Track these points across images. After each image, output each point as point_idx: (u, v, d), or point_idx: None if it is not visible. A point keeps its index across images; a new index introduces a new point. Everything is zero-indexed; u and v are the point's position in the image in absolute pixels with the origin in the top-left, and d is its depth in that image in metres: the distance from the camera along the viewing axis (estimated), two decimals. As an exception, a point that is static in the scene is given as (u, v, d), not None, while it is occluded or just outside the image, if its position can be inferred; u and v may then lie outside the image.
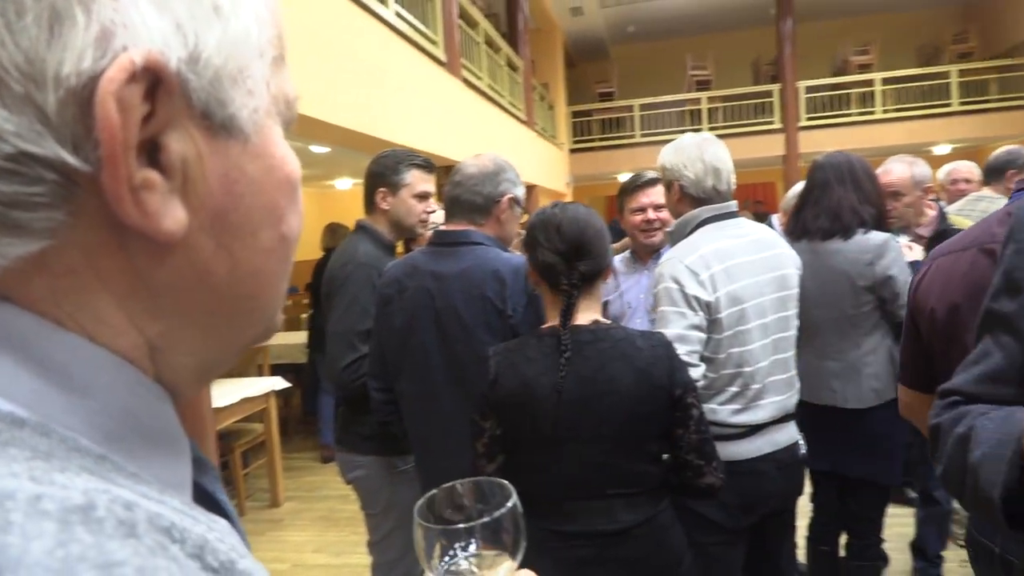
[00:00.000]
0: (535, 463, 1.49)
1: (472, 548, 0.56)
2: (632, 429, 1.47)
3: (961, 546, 3.29)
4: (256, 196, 0.36)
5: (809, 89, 13.25)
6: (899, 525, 3.21)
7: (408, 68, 5.76)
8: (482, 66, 8.38)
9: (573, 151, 14.30)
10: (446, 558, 0.56)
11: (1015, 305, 0.88)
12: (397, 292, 1.86)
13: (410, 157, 2.27)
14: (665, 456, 1.55)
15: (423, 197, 2.26)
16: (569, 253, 1.50)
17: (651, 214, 2.49)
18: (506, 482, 0.61)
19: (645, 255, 2.59)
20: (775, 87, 13.29)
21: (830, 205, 2.33)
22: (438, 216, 2.21)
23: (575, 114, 14.50)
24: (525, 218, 2.05)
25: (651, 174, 2.50)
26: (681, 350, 1.61)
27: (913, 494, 3.26)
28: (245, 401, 4.04)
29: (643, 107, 14.08)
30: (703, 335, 1.85)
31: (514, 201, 1.89)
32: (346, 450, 2.23)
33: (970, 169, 3.87)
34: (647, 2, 13.07)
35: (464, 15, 7.70)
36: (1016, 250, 0.89)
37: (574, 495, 1.47)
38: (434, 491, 0.61)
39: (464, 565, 0.56)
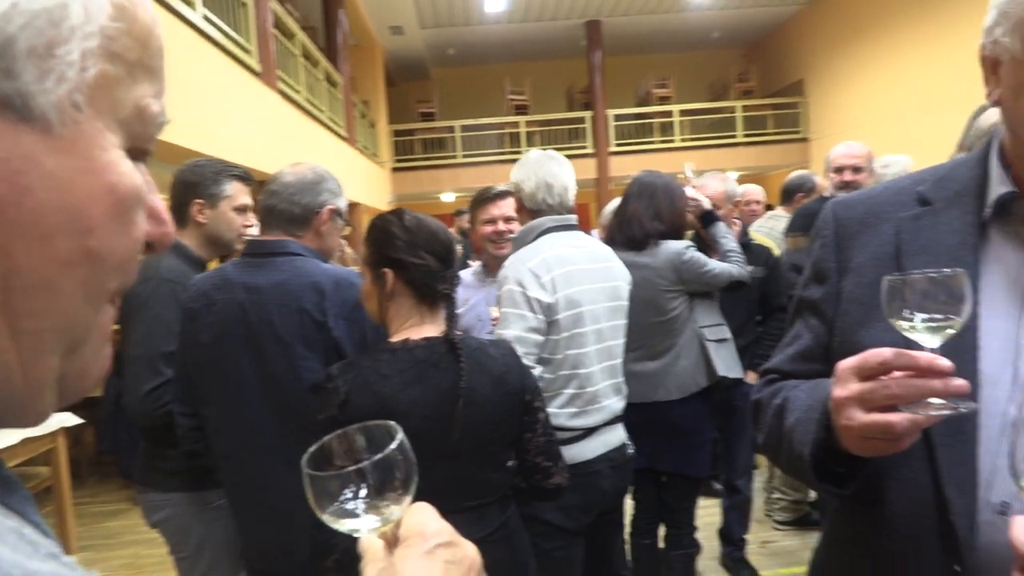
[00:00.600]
0: None
1: (363, 493, 0.56)
2: (490, 439, 1.45)
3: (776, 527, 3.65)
4: (54, 196, 0.32)
5: (617, 117, 14.25)
6: (708, 515, 3.47)
7: (219, 76, 5.42)
8: (299, 79, 8.09)
9: (395, 170, 14.23)
10: (337, 504, 0.55)
11: (821, 291, 0.97)
12: (204, 306, 1.71)
13: (228, 168, 2.12)
14: (510, 463, 1.55)
15: (242, 210, 2.11)
16: (446, 257, 1.48)
17: (501, 225, 2.53)
18: (392, 422, 0.60)
19: (495, 267, 2.58)
20: (587, 114, 14.15)
21: (626, 218, 2.57)
22: (255, 231, 2.07)
23: (397, 133, 14.46)
24: (348, 231, 1.98)
25: (502, 186, 2.56)
26: (518, 351, 1.65)
27: (718, 486, 3.56)
28: (28, 441, 3.52)
29: (464, 128, 14.35)
30: (540, 338, 1.91)
31: (335, 213, 1.81)
32: (150, 489, 2.01)
33: (760, 191, 4.58)
34: (465, 27, 13.40)
35: (280, 25, 7.41)
36: (822, 244, 0.99)
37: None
38: (322, 440, 0.59)
39: (359, 508, 0.55)
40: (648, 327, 2.47)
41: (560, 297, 1.94)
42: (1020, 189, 0.83)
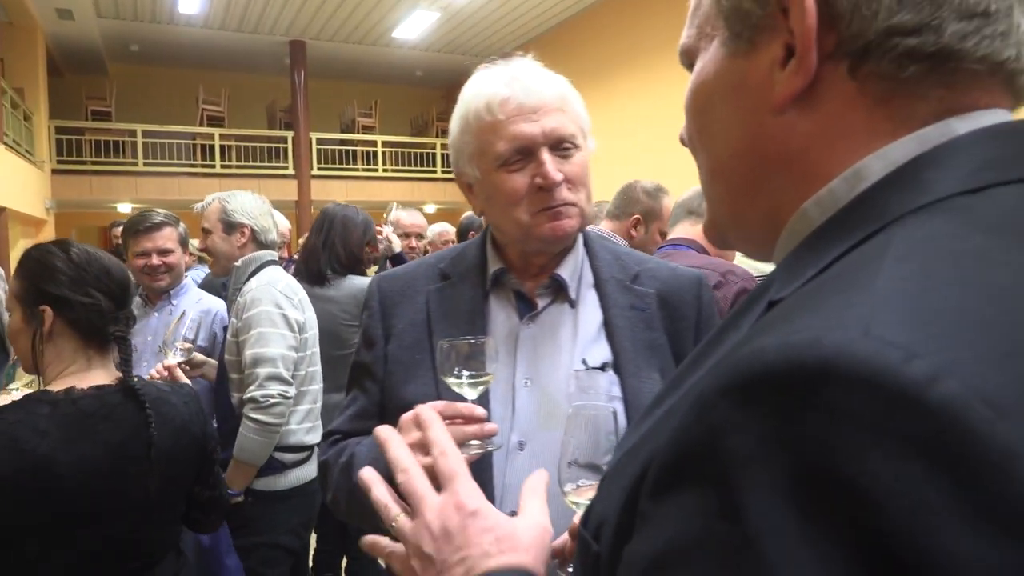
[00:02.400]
0: (28, 559, 1.19)
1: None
2: (170, 492, 1.34)
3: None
4: None
5: (320, 141, 14.06)
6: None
7: None
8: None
9: (57, 172, 12.27)
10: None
11: (371, 356, 1.12)
12: None
13: None
14: None
15: None
16: (121, 296, 1.35)
17: (155, 259, 2.41)
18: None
19: (155, 297, 2.50)
20: (289, 134, 13.72)
21: (307, 251, 2.72)
22: None
23: (61, 130, 12.50)
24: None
25: (158, 216, 2.45)
26: (280, 368, 1.77)
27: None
28: None
29: (147, 134, 12.94)
30: (296, 355, 2.08)
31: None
32: None
33: (452, 230, 5.00)
34: (152, 24, 12.16)
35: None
36: (369, 314, 1.14)
37: None
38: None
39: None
40: (332, 360, 2.53)
41: (305, 317, 2.15)
42: (507, 265, 1.09)
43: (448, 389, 0.93)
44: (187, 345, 2.01)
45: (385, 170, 14.55)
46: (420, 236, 3.60)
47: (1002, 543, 0.25)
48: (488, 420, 0.89)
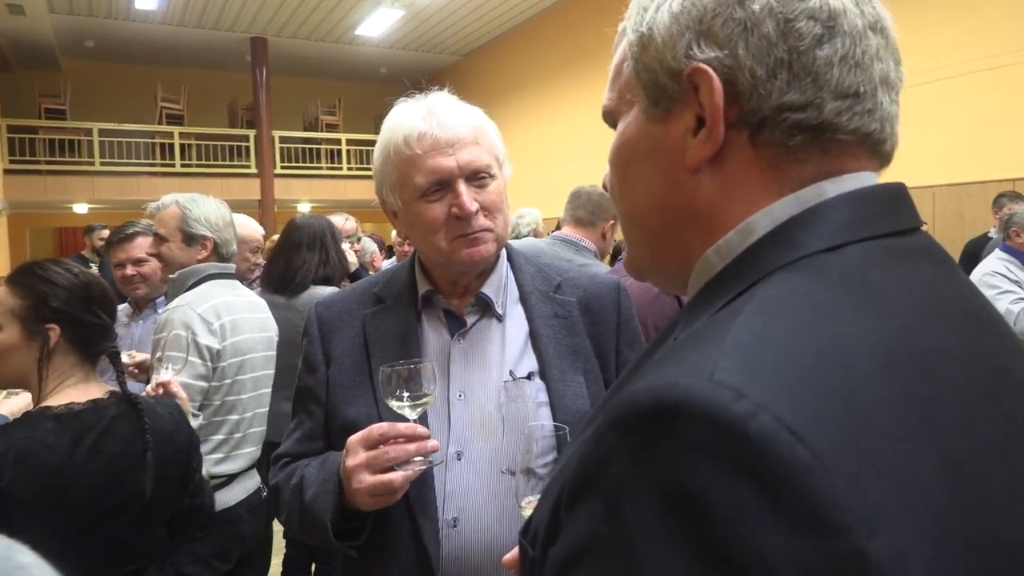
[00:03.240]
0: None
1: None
2: (158, 500, 1.38)
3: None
4: None
5: (283, 139, 13.88)
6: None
7: None
8: None
9: (10, 172, 11.91)
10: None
11: (314, 380, 1.17)
12: None
13: None
14: None
15: None
16: (114, 312, 1.41)
17: (129, 270, 2.45)
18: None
19: (143, 304, 2.54)
20: (251, 132, 13.52)
21: (283, 261, 2.65)
22: None
23: (13, 129, 12.12)
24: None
25: (133, 227, 2.49)
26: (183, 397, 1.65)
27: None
28: None
29: (104, 133, 12.63)
30: (206, 385, 1.91)
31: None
32: None
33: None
34: (108, 20, 11.87)
35: None
36: (309, 340, 1.19)
37: None
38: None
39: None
40: (292, 368, 2.52)
41: (228, 344, 1.97)
42: (435, 287, 1.16)
43: (388, 408, 1.00)
44: (180, 359, 1.86)
45: (350, 168, 14.42)
46: (359, 238, 3.68)
47: (802, 537, 0.33)
48: (428, 436, 0.97)
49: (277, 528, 2.41)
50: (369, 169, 10.99)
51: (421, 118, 1.09)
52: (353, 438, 0.93)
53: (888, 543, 0.34)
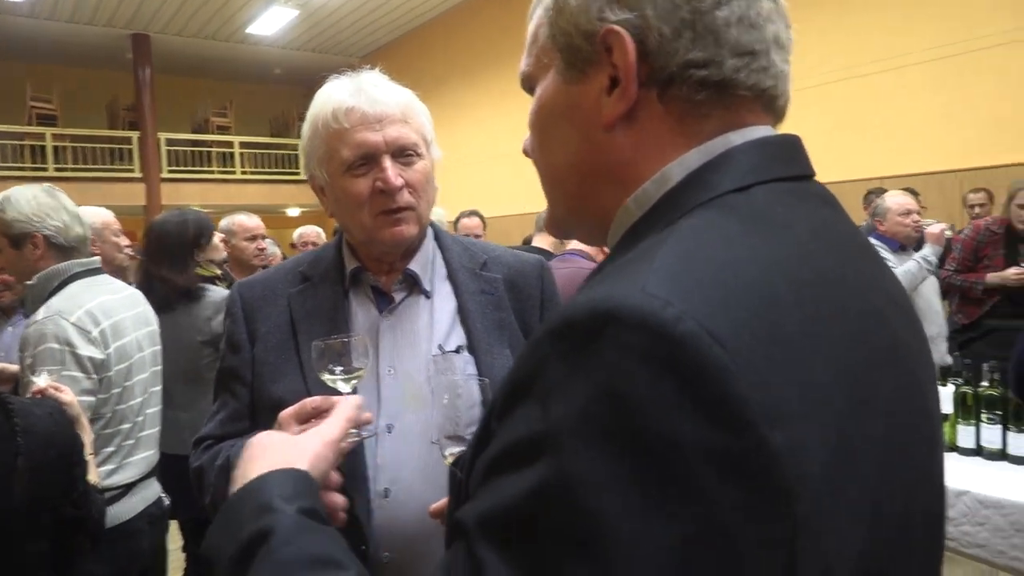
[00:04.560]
0: None
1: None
2: (33, 507, 1.28)
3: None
4: None
5: (170, 142, 13.20)
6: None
7: None
8: None
9: None
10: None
11: (238, 359, 1.16)
12: None
13: None
14: None
15: None
16: None
17: None
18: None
19: (9, 311, 2.43)
20: (134, 134, 12.78)
21: (145, 279, 2.52)
22: None
23: None
24: None
25: None
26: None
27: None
28: None
29: (-34, 134, 11.64)
30: (93, 399, 1.75)
31: None
32: None
33: (318, 233, 4.86)
34: (-31, 11, 10.94)
35: None
36: (232, 320, 1.18)
37: None
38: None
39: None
40: (189, 374, 2.48)
41: (112, 351, 1.81)
42: (362, 264, 1.17)
43: (318, 384, 1.00)
44: (55, 370, 1.70)
45: (244, 172, 13.88)
46: (264, 236, 3.49)
47: (713, 428, 0.38)
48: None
49: (174, 546, 2.30)
50: (265, 173, 10.77)
51: (350, 93, 1.10)
52: (285, 412, 0.92)
53: (789, 435, 0.39)
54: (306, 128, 1.15)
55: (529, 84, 0.63)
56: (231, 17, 11.71)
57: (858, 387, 0.45)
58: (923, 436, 0.51)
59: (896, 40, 6.00)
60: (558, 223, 0.65)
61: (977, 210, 4.70)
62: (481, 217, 4.84)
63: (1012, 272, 3.57)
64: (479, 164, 10.36)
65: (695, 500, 0.37)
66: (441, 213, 4.16)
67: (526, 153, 0.65)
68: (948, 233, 3.59)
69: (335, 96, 1.11)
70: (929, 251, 3.36)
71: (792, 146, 0.56)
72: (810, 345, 0.43)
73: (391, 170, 1.08)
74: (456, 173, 10.23)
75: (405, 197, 1.10)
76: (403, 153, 1.11)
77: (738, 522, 0.37)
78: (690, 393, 0.38)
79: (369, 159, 1.09)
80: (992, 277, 3.64)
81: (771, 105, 0.57)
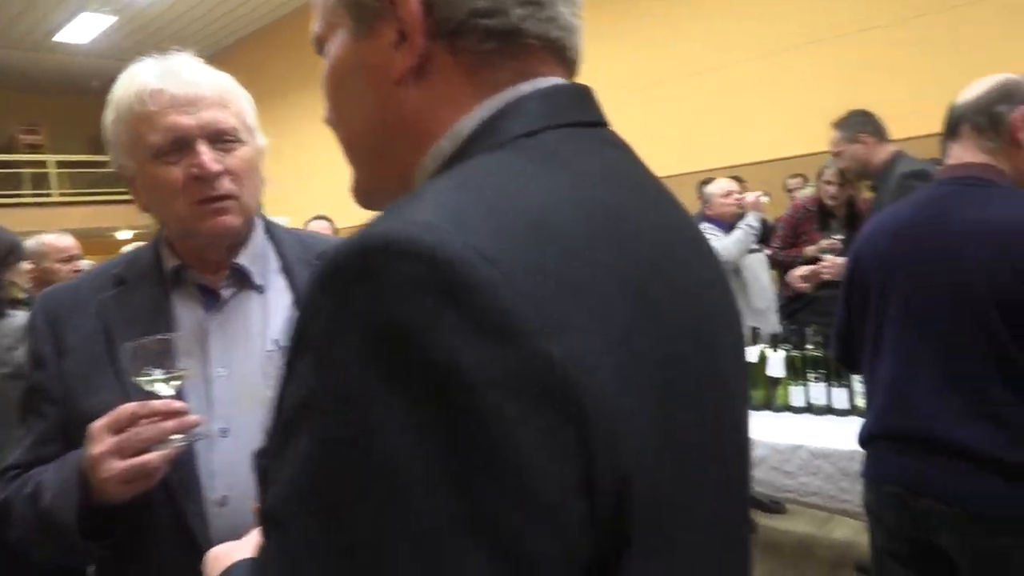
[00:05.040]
0: None
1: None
2: None
3: None
4: None
5: (-32, 163, 11.81)
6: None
7: None
8: None
9: None
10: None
11: (44, 375, 1.06)
12: None
13: None
14: None
15: None
16: None
17: None
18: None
19: None
20: (-77, 156, 11.32)
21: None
22: None
23: None
24: None
25: None
26: None
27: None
28: None
29: None
30: None
31: None
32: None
33: None
34: None
35: None
36: (36, 334, 1.08)
37: None
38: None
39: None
40: None
41: None
42: (184, 262, 1.09)
43: (139, 391, 0.92)
44: None
45: (62, 195, 12.66)
46: (80, 257, 3.23)
47: (489, 345, 0.37)
48: (187, 412, 0.92)
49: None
50: (88, 194, 9.94)
51: (157, 75, 1.02)
52: (95, 424, 0.85)
53: (570, 347, 0.39)
54: (108, 113, 1.05)
55: (321, 46, 0.61)
56: (35, 24, 10.65)
57: (649, 306, 0.45)
58: (719, 367, 0.52)
59: (726, 40, 6.65)
60: (363, 190, 0.63)
61: (795, 193, 5.15)
62: (331, 222, 4.67)
63: (815, 252, 3.88)
64: (330, 170, 10.03)
65: (483, 424, 0.37)
66: (285, 222, 3.97)
67: (328, 123, 0.63)
68: (764, 199, 4.02)
69: (140, 77, 1.02)
70: (751, 217, 3.78)
71: (582, 94, 0.56)
72: (596, 264, 0.43)
73: (207, 155, 1.01)
74: (306, 180, 9.90)
75: (225, 185, 1.03)
76: (221, 138, 1.04)
77: (529, 439, 0.37)
78: (463, 314, 0.37)
79: (182, 144, 1.01)
80: (809, 250, 4.01)
81: (562, 56, 0.57)
